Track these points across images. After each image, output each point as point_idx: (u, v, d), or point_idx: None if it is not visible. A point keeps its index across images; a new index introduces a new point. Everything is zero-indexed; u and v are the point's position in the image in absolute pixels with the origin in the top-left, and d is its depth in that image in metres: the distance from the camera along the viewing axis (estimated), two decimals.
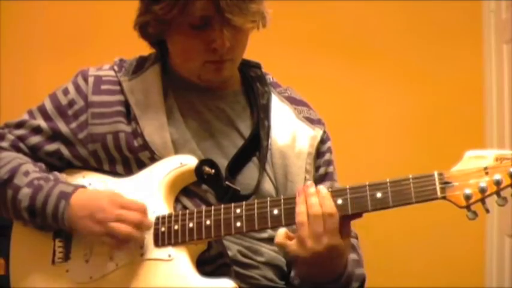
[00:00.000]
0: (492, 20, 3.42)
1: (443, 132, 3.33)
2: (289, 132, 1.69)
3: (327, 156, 1.73)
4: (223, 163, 1.62)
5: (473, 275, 3.28)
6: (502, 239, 3.29)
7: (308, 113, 1.75)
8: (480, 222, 3.28)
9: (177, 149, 1.62)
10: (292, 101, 1.76)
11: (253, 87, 1.74)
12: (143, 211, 1.55)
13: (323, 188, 1.45)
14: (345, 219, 1.44)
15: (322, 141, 1.72)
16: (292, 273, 1.61)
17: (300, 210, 1.44)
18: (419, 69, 3.41)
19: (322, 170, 1.70)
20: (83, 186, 1.61)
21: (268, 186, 1.64)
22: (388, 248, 3.25)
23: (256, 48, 1.71)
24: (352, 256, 1.59)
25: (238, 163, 1.64)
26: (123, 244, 1.53)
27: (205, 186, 1.60)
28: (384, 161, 3.17)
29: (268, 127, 1.68)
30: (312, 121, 1.73)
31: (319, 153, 1.71)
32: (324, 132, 1.74)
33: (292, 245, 1.45)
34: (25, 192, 1.59)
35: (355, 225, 1.71)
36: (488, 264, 3.33)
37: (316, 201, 1.43)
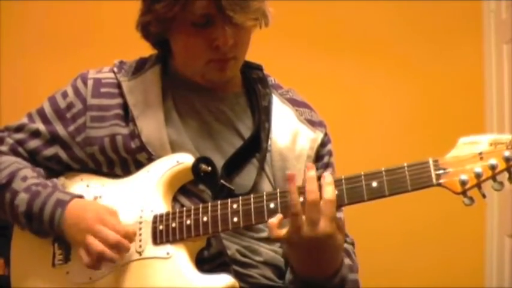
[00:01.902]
0: (492, 20, 3.43)
1: (443, 132, 3.32)
2: (289, 134, 1.68)
3: (325, 159, 1.72)
4: (221, 164, 1.62)
5: (473, 275, 3.28)
6: (502, 239, 3.28)
7: (310, 115, 1.75)
8: (480, 222, 3.31)
9: (175, 150, 1.62)
10: (294, 102, 1.75)
11: (255, 89, 1.73)
12: (127, 235, 1.52)
13: (328, 175, 1.43)
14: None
15: (323, 144, 1.71)
16: (287, 276, 1.60)
17: (295, 200, 1.41)
18: (419, 69, 3.41)
19: (319, 172, 1.69)
20: (80, 196, 1.61)
21: (266, 187, 1.63)
22: (387, 248, 3.25)
23: (257, 45, 1.71)
24: (346, 261, 1.58)
25: (235, 163, 1.63)
26: (94, 261, 1.51)
27: (202, 184, 1.60)
28: (384, 159, 3.15)
29: (269, 129, 1.67)
30: (313, 123, 1.73)
31: (318, 156, 1.70)
32: (325, 134, 1.73)
33: (287, 234, 1.42)
34: (22, 197, 1.59)
35: (354, 228, 1.72)
36: (488, 264, 3.33)
37: (314, 187, 1.41)
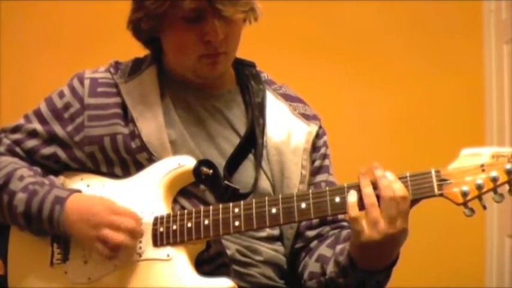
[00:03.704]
0: (492, 20, 3.42)
1: (443, 132, 3.33)
2: (284, 128, 1.69)
3: (322, 150, 1.73)
4: (221, 163, 1.62)
5: (473, 275, 3.28)
6: (502, 239, 3.28)
7: (303, 109, 1.76)
8: (480, 223, 3.31)
9: (175, 150, 1.62)
10: (287, 97, 1.76)
11: (248, 85, 1.74)
12: (136, 218, 1.54)
13: (389, 173, 1.43)
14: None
15: (318, 135, 1.73)
16: (331, 269, 1.56)
17: (369, 192, 1.41)
18: (419, 69, 3.41)
19: (317, 163, 1.71)
20: (78, 191, 1.61)
21: (265, 183, 1.65)
22: None
23: (251, 50, 1.73)
24: None
25: (235, 162, 1.64)
26: (114, 251, 1.52)
27: (203, 186, 1.60)
28: (383, 163, 3.16)
29: (263, 125, 1.68)
30: (308, 117, 1.74)
31: (315, 147, 1.71)
32: (320, 127, 1.75)
33: (364, 226, 1.41)
34: (20, 197, 1.59)
35: None
36: (488, 264, 3.32)
37: (387, 183, 1.41)
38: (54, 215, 1.56)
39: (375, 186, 1.42)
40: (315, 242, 1.65)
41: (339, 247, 1.57)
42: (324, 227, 1.66)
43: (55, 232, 1.59)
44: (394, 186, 1.40)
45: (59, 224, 1.56)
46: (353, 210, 1.42)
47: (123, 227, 1.51)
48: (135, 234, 1.53)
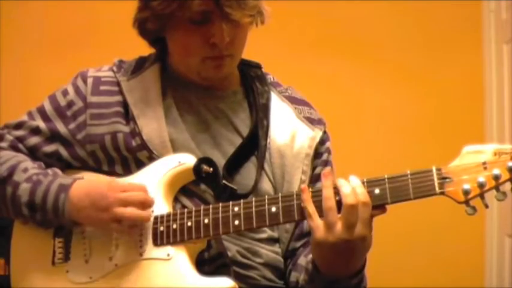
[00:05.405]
0: (492, 20, 3.43)
1: (443, 132, 3.33)
2: (288, 131, 1.68)
3: (324, 157, 1.72)
4: (222, 163, 1.62)
5: (473, 275, 3.28)
6: (502, 239, 3.29)
7: (309, 112, 1.75)
8: (480, 222, 3.32)
9: (176, 149, 1.62)
10: (293, 100, 1.75)
11: (253, 86, 1.73)
12: (144, 189, 1.55)
13: (354, 178, 1.42)
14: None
15: (321, 141, 1.71)
16: (302, 277, 1.58)
17: (328, 195, 1.41)
18: (419, 69, 3.41)
19: (318, 170, 1.69)
20: (82, 178, 1.61)
21: (266, 185, 1.64)
22: (387, 248, 3.24)
23: (255, 47, 1.72)
24: None
25: (236, 162, 1.63)
26: (132, 227, 1.53)
27: (203, 185, 1.60)
28: (384, 161, 3.16)
29: (267, 126, 1.68)
30: (312, 121, 1.73)
31: (317, 153, 1.70)
32: (324, 132, 1.73)
33: (320, 228, 1.41)
34: (24, 187, 1.59)
35: None
36: (488, 264, 3.33)
37: (350, 190, 1.40)
38: (59, 204, 1.56)
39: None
40: (299, 250, 1.65)
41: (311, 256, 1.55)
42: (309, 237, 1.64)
43: (60, 221, 1.59)
44: (357, 191, 1.40)
45: (64, 213, 1.56)
46: (310, 206, 1.43)
47: (133, 201, 1.52)
48: (146, 204, 1.53)
